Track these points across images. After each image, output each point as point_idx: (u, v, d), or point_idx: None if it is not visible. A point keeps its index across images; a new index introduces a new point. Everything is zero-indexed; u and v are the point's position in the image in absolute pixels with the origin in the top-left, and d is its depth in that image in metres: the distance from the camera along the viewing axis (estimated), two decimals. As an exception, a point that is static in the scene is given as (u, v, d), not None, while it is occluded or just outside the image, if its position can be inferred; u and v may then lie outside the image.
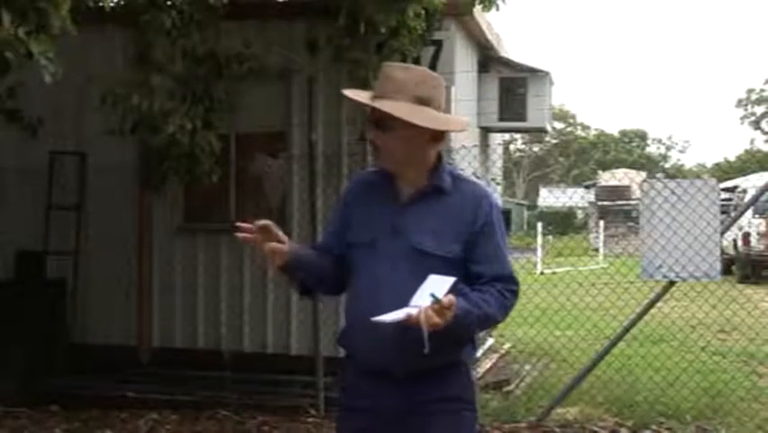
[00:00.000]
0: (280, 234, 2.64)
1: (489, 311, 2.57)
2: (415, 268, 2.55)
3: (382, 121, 2.62)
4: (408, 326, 2.40)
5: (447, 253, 2.60)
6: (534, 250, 22.71)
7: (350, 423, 2.76)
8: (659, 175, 39.60)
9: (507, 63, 9.06)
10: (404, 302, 2.43)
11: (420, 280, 2.46)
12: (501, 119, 8.89)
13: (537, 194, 50.88)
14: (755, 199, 9.40)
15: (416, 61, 6.66)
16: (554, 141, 59.03)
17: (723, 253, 7.57)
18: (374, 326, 2.47)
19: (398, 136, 2.62)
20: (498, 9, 6.51)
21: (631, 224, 27.53)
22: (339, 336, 2.81)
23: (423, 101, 2.63)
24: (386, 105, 2.61)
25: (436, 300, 2.36)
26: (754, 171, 28.75)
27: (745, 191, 19.39)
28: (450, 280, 2.43)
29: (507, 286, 2.64)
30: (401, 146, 2.64)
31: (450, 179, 2.70)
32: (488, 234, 2.65)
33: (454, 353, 2.66)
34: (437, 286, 2.41)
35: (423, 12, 6.15)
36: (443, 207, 2.66)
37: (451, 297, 2.39)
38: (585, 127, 65.21)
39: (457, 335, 2.55)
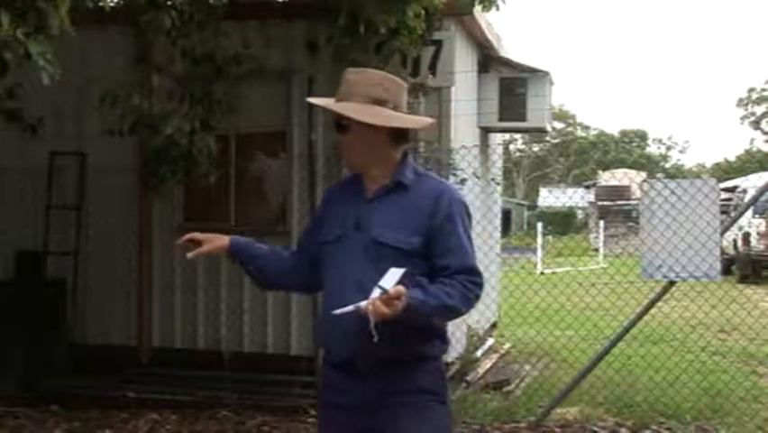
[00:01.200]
0: (203, 236, 2.92)
1: (449, 302, 2.64)
2: (376, 260, 2.66)
3: (339, 122, 2.77)
4: (359, 316, 2.50)
5: (406, 245, 2.69)
6: (534, 250, 22.72)
7: (328, 419, 2.86)
8: (659, 175, 39.65)
9: (507, 63, 9.05)
10: (367, 293, 2.52)
11: (381, 271, 2.56)
12: (501, 119, 8.88)
13: (537, 194, 50.85)
14: (755, 199, 9.42)
15: (416, 61, 6.67)
16: (554, 141, 59.01)
17: (723, 253, 7.57)
18: (338, 318, 2.59)
19: (356, 136, 2.76)
20: (498, 9, 6.51)
21: (631, 224, 27.53)
22: (316, 332, 2.90)
23: (377, 101, 2.75)
24: (336, 107, 2.76)
25: (384, 291, 2.47)
26: (754, 171, 28.77)
27: (745, 191, 19.41)
28: (399, 271, 2.53)
29: (470, 278, 2.71)
30: (359, 145, 2.77)
31: (413, 176, 2.81)
32: (449, 228, 2.73)
33: (421, 346, 2.74)
34: (388, 278, 2.52)
35: (423, 12, 6.15)
36: (405, 202, 2.76)
37: (399, 288, 2.49)
38: (585, 127, 65.23)
39: (416, 325, 2.64)
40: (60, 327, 7.39)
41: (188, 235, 2.92)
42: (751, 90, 57.04)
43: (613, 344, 6.61)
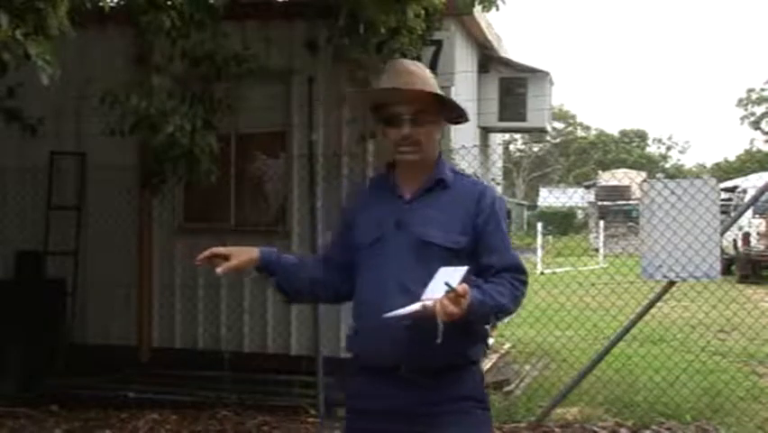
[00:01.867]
0: (228, 250, 2.72)
1: (503, 301, 2.56)
2: (421, 260, 2.56)
3: (422, 114, 2.66)
4: (423, 318, 2.38)
5: (454, 244, 2.60)
6: (534, 250, 22.70)
7: (361, 426, 2.72)
8: (659, 175, 39.62)
9: (507, 63, 9.05)
10: (412, 295, 2.42)
11: (427, 271, 2.46)
12: (501, 119, 8.89)
13: (537, 194, 50.84)
14: (755, 199, 9.40)
15: (416, 61, 6.66)
16: (554, 141, 58.99)
17: (723, 253, 7.57)
18: (383, 324, 2.47)
19: (434, 129, 2.73)
20: (497, 9, 6.49)
21: (631, 224, 27.50)
22: (347, 339, 2.79)
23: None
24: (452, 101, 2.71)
25: (451, 289, 2.34)
26: (754, 171, 28.74)
27: (745, 191, 19.40)
28: (462, 270, 2.42)
29: (517, 276, 2.64)
30: (434, 138, 2.74)
31: (451, 174, 2.75)
32: (492, 226, 2.67)
33: (466, 350, 2.65)
34: (449, 276, 2.39)
35: (423, 12, 6.15)
36: (447, 200, 2.68)
37: (464, 285, 2.38)
38: (585, 127, 65.20)
39: (473, 326, 2.56)
40: (60, 327, 7.39)
41: (210, 251, 2.70)
42: (750, 90, 57.04)
43: (613, 344, 6.61)
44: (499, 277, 2.60)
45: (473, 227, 2.64)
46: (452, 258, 2.55)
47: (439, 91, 2.71)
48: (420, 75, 2.69)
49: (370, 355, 2.67)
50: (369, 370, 2.67)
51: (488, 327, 2.73)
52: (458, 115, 2.81)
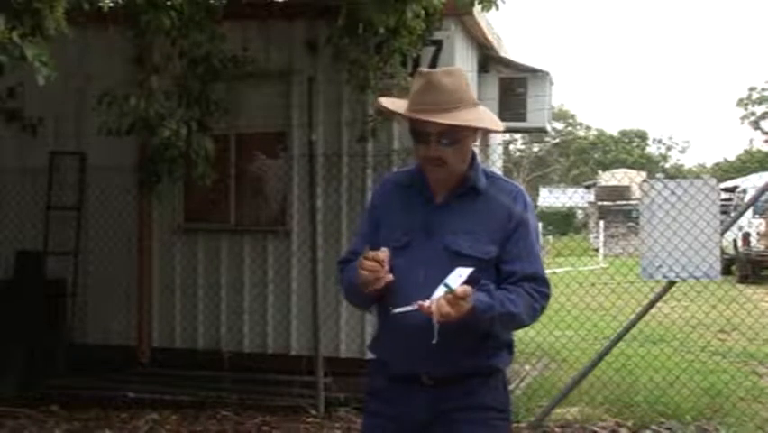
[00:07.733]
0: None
1: (514, 310, 2.48)
2: (450, 270, 2.43)
3: (450, 132, 2.50)
4: (425, 314, 2.35)
5: (484, 255, 2.52)
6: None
7: (376, 429, 2.69)
8: (659, 175, 39.60)
9: (507, 63, 9.03)
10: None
11: None
12: (501, 119, 8.82)
13: (537, 194, 50.85)
14: (755, 199, 9.40)
15: (416, 61, 6.67)
16: (554, 141, 59.00)
17: (723, 253, 7.57)
18: (406, 331, 2.46)
19: (462, 146, 2.56)
20: (497, 9, 6.49)
21: (631, 224, 27.53)
22: (371, 341, 2.77)
23: (476, 103, 2.59)
24: (465, 119, 2.51)
25: (450, 290, 2.32)
26: (754, 171, 28.76)
27: (745, 191, 19.42)
28: (466, 271, 2.37)
29: (537, 287, 2.55)
30: (463, 153, 2.59)
31: (485, 179, 2.64)
32: (521, 232, 2.58)
33: (488, 359, 2.58)
34: (454, 276, 2.36)
35: (422, 12, 6.14)
36: (478, 207, 2.58)
37: (466, 287, 2.33)
38: (585, 127, 65.18)
39: (478, 331, 2.48)
40: (60, 327, 7.39)
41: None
42: (751, 90, 57.04)
43: (613, 344, 6.60)
44: (518, 286, 2.52)
45: (502, 234, 2.55)
46: (482, 268, 2.47)
47: (474, 100, 2.56)
48: (451, 89, 2.49)
49: (392, 361, 2.63)
50: (389, 374, 2.63)
51: (506, 333, 2.64)
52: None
